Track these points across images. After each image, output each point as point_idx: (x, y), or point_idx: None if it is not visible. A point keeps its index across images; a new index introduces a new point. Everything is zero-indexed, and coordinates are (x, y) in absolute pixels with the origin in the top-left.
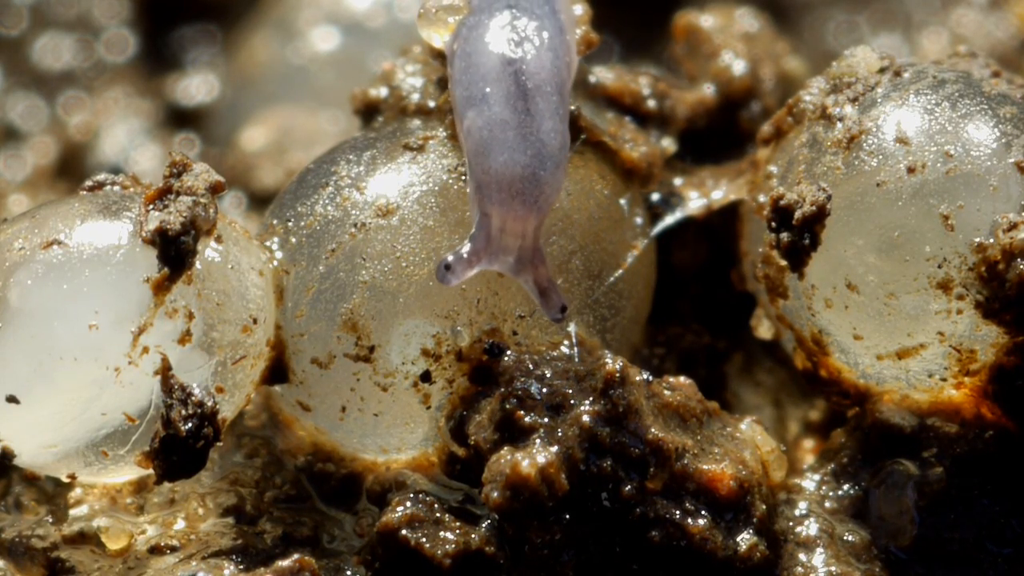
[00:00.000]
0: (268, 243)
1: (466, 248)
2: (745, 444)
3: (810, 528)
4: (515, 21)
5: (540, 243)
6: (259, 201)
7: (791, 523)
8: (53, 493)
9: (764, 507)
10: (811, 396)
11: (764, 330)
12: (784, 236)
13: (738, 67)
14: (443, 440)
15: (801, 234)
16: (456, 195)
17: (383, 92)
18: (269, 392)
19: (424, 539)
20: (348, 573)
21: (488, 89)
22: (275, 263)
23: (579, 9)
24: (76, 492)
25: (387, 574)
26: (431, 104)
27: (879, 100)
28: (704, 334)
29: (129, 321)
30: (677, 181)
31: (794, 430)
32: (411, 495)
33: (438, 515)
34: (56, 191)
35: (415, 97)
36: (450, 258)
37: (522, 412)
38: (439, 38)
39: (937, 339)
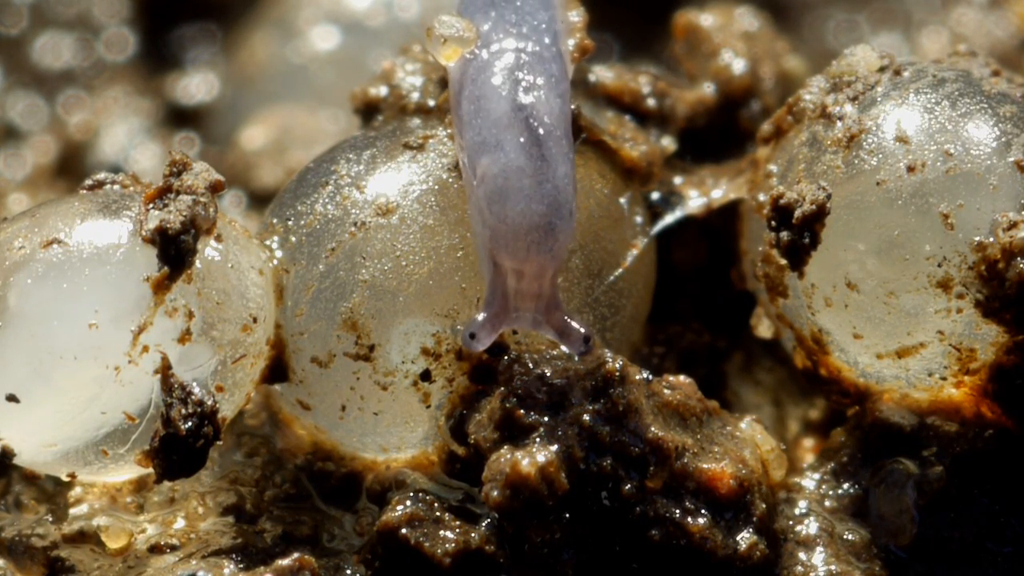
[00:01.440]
0: (268, 242)
1: (483, 315)
2: (745, 443)
3: (810, 527)
4: (522, 61)
5: (556, 289)
6: (259, 200)
7: (791, 522)
8: (53, 492)
9: (764, 506)
10: (811, 395)
11: (764, 329)
12: (784, 235)
13: (738, 66)
14: (443, 439)
15: (801, 233)
16: (456, 194)
17: (383, 91)
18: (269, 391)
19: (424, 538)
20: (348, 572)
21: (501, 135)
22: (275, 262)
23: (576, 16)
24: (76, 491)
25: (387, 573)
26: (431, 103)
27: (879, 99)
28: (704, 333)
29: (129, 320)
30: (677, 180)
31: (794, 429)
32: (411, 494)
33: (438, 514)
34: (56, 190)
35: (415, 96)
36: (473, 328)
37: (522, 411)
38: (445, 63)
39: (937, 338)
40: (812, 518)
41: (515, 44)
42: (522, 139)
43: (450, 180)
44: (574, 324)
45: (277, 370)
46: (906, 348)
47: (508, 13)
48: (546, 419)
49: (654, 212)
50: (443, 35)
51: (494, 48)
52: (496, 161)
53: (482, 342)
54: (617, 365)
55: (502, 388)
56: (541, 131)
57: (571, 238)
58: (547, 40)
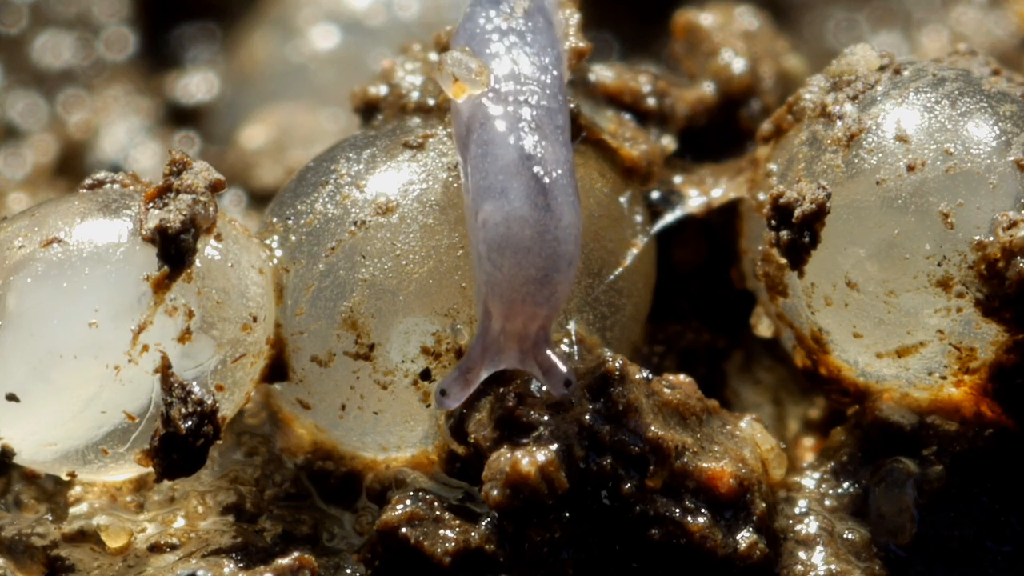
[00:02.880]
0: (268, 241)
1: (457, 371)
2: (745, 442)
3: (810, 526)
4: (530, 111)
5: (548, 331)
6: (259, 199)
7: (791, 521)
8: (53, 491)
9: (764, 505)
10: (811, 394)
11: (764, 328)
12: (784, 234)
13: (738, 65)
14: (443, 438)
15: (801, 232)
16: (456, 193)
17: (383, 90)
18: (269, 390)
19: (424, 537)
20: (348, 571)
21: (508, 182)
22: (275, 261)
23: (573, 18)
24: (76, 490)
25: (387, 572)
26: (431, 102)
27: (879, 98)
28: (704, 332)
29: (129, 319)
30: (677, 179)
31: (794, 428)
32: (411, 493)
33: (438, 513)
34: (56, 189)
35: (415, 95)
36: (445, 384)
37: (522, 410)
38: (452, 97)
39: (937, 337)
40: (812, 517)
41: (524, 90)
42: (528, 187)
43: (450, 179)
44: (560, 365)
45: (277, 369)
46: (906, 347)
47: (517, 51)
48: (546, 418)
49: (654, 211)
50: (454, 74)
51: (503, 90)
52: (500, 208)
53: (454, 399)
54: (617, 364)
55: (502, 387)
56: (547, 180)
57: (571, 286)
58: (554, 85)
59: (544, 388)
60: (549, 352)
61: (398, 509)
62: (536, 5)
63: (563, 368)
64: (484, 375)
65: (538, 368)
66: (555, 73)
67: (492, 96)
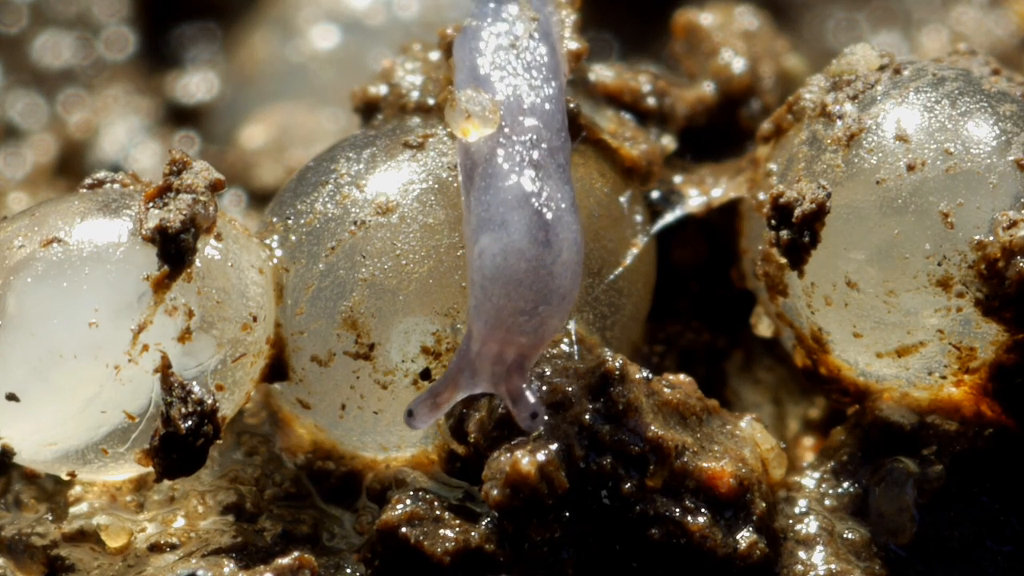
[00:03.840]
0: (268, 241)
1: (427, 395)
2: (745, 442)
3: (810, 526)
4: (535, 151)
5: (526, 360)
6: (259, 199)
7: (791, 521)
8: (53, 491)
9: (764, 505)
10: (811, 394)
11: (764, 328)
12: (784, 234)
13: (738, 65)
14: (443, 438)
15: (801, 232)
16: (456, 193)
17: (383, 90)
18: (269, 390)
19: (424, 537)
20: (348, 571)
21: (509, 215)
22: (275, 261)
23: (569, 19)
24: (76, 490)
25: (387, 572)
26: (431, 102)
27: (879, 98)
28: (704, 332)
29: (129, 319)
30: (677, 179)
31: (794, 428)
32: (411, 493)
33: (438, 513)
34: (56, 189)
35: (415, 95)
36: (413, 405)
37: None
38: (460, 136)
39: (937, 337)
40: (812, 517)
41: (528, 126)
42: (530, 221)
43: (450, 179)
44: (529, 397)
45: (277, 369)
46: (906, 347)
47: (523, 82)
48: (546, 418)
49: (654, 211)
50: (467, 110)
51: (509, 122)
52: (498, 240)
53: (420, 420)
54: (617, 364)
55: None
56: (549, 216)
57: (562, 320)
58: (557, 120)
59: (544, 388)
60: (521, 383)
61: (398, 509)
62: (543, 30)
63: (531, 400)
64: (459, 397)
65: (508, 396)
66: (558, 106)
67: (497, 130)
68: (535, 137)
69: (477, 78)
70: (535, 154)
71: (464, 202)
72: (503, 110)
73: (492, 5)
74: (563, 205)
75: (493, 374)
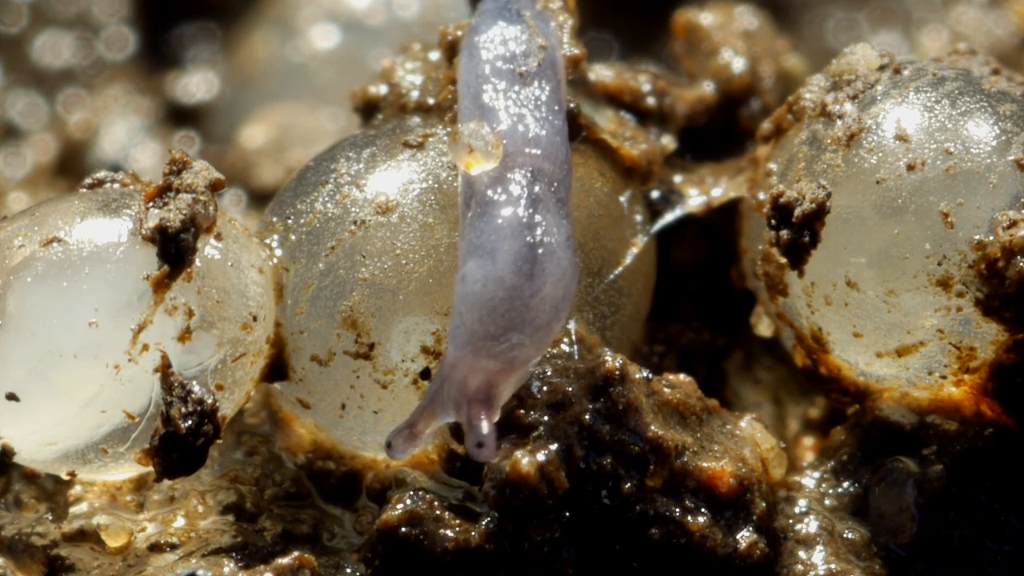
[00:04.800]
0: (268, 240)
1: (405, 425)
2: (745, 442)
3: (810, 526)
4: (536, 187)
5: (495, 391)
6: (259, 199)
7: (791, 521)
8: (53, 491)
9: (764, 505)
10: (811, 393)
11: (764, 327)
12: (784, 233)
13: (738, 64)
14: (443, 437)
15: (801, 231)
16: (456, 192)
17: (383, 89)
18: (269, 390)
19: (424, 536)
20: (348, 571)
21: (499, 244)
22: (275, 260)
23: (567, 24)
24: (76, 490)
25: (387, 571)
26: (431, 101)
27: (879, 97)
28: (704, 332)
29: (129, 318)
30: (677, 178)
31: (794, 427)
32: (411, 492)
33: (438, 512)
34: (56, 189)
35: (415, 94)
36: (391, 436)
37: (522, 410)
38: (461, 168)
39: (937, 336)
40: (812, 517)
41: (530, 157)
42: (517, 253)
43: (450, 179)
44: (482, 425)
45: (277, 368)
46: (906, 347)
47: (527, 117)
48: (546, 418)
49: (654, 211)
50: (470, 145)
51: (511, 152)
52: (482, 267)
53: (398, 452)
54: (617, 364)
55: None
56: (540, 250)
57: (538, 351)
58: (560, 152)
59: (544, 388)
60: (481, 412)
61: (398, 508)
62: (549, 58)
63: (484, 430)
64: (435, 425)
65: (465, 421)
66: (563, 138)
67: (505, 153)
68: (536, 169)
69: (481, 106)
70: (536, 187)
71: (460, 227)
72: (506, 140)
73: (499, 28)
74: (557, 240)
75: (456, 401)
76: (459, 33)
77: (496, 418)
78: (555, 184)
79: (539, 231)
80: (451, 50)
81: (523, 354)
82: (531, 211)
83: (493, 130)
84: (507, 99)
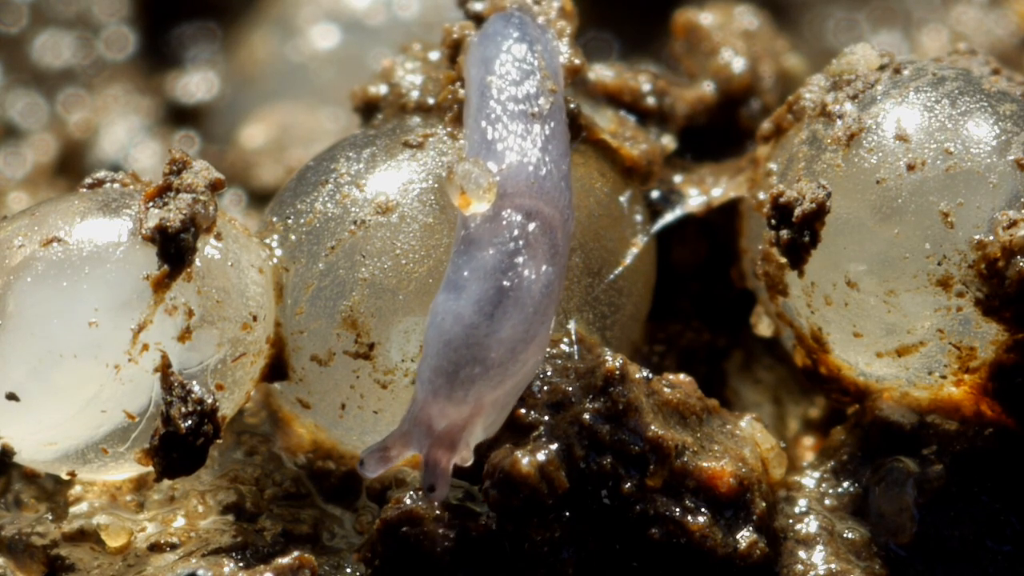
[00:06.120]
0: (268, 240)
1: (378, 445)
2: (745, 441)
3: (810, 525)
4: (529, 228)
5: (457, 432)
6: (259, 198)
7: (791, 520)
8: (53, 490)
9: (764, 504)
10: (811, 393)
11: (764, 327)
12: (784, 233)
13: (738, 64)
14: None
15: (801, 231)
16: None
17: (383, 89)
18: (269, 389)
19: (424, 536)
20: (348, 570)
21: (470, 283)
22: (275, 260)
23: (566, 31)
24: (76, 489)
25: (387, 571)
26: (430, 101)
27: (879, 97)
28: (704, 331)
29: (129, 318)
30: (677, 178)
31: (794, 427)
32: (411, 492)
33: (438, 512)
34: (56, 188)
35: (415, 94)
36: (364, 454)
37: (522, 410)
38: (457, 206)
39: (937, 336)
40: (812, 516)
41: (528, 204)
42: (484, 294)
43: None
44: (438, 468)
45: (277, 368)
46: (906, 346)
47: (532, 160)
48: (546, 418)
49: (654, 210)
50: (461, 186)
51: (509, 192)
52: (447, 301)
53: (370, 471)
54: (617, 364)
55: None
56: (510, 295)
57: (493, 389)
58: (564, 199)
59: (544, 388)
60: (442, 454)
61: (398, 508)
62: (557, 104)
63: (438, 474)
64: (406, 455)
65: (424, 461)
66: (567, 183)
67: (500, 201)
68: (533, 212)
69: (486, 141)
70: (528, 229)
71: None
72: (508, 180)
73: (510, 64)
74: (533, 286)
75: (420, 441)
76: (466, 33)
77: (458, 459)
78: (553, 229)
79: (513, 275)
80: (455, 49)
81: (479, 395)
82: (513, 254)
83: (495, 170)
84: (515, 140)
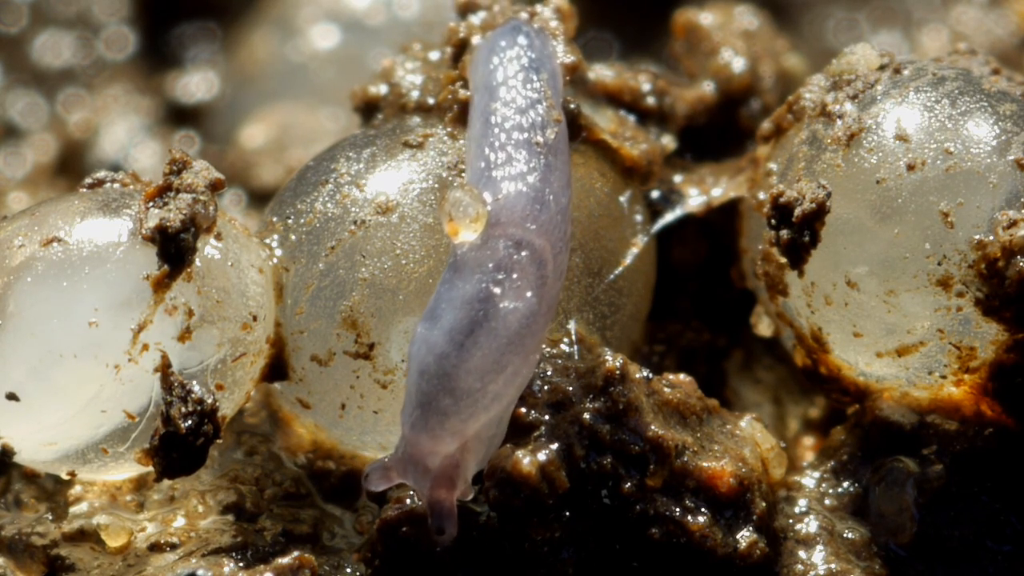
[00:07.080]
0: (268, 240)
1: (384, 461)
2: (745, 441)
3: (810, 525)
4: (517, 258)
5: (453, 469)
6: (259, 198)
7: (791, 520)
8: (53, 490)
9: (764, 504)
10: (811, 393)
11: (764, 327)
12: (784, 233)
13: (738, 64)
14: None
15: (801, 231)
16: None
17: (383, 89)
18: (269, 389)
19: (424, 536)
20: (348, 570)
21: (447, 312)
22: (275, 260)
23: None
24: (76, 489)
25: (387, 571)
26: (431, 101)
27: (879, 97)
28: (704, 331)
29: (129, 318)
30: (677, 178)
31: (794, 427)
32: (411, 492)
33: None
34: (56, 188)
35: (415, 94)
36: (369, 468)
37: (523, 410)
38: (448, 234)
39: (937, 336)
40: (812, 516)
41: (521, 236)
42: (457, 323)
43: (450, 179)
44: (445, 511)
45: (277, 368)
46: (906, 346)
47: (530, 192)
48: (546, 417)
49: (654, 210)
50: (450, 213)
51: (500, 230)
52: (423, 329)
53: (373, 485)
54: (617, 363)
55: None
56: (483, 326)
57: (469, 425)
58: (561, 232)
59: (544, 388)
60: (444, 493)
61: (398, 508)
62: (562, 135)
63: (444, 515)
64: (407, 483)
65: (427, 504)
66: (564, 217)
67: (491, 230)
68: (523, 243)
69: (488, 169)
70: (515, 259)
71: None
72: (503, 211)
73: (517, 96)
74: (511, 318)
75: (418, 482)
76: (472, 34)
77: (459, 495)
78: (543, 262)
79: (490, 304)
80: (460, 48)
81: (453, 427)
82: (494, 284)
83: (490, 199)
84: (517, 169)
